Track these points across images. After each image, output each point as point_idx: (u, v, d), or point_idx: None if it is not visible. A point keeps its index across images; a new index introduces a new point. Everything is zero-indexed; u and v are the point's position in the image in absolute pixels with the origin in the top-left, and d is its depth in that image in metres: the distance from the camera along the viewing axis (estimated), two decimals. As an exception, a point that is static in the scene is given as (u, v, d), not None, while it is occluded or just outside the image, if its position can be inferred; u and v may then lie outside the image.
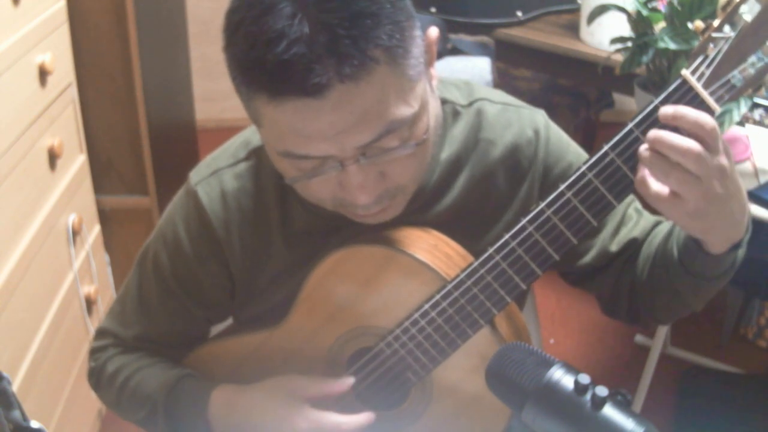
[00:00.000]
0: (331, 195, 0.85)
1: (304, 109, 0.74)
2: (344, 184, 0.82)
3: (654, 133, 0.77)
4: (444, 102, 0.97)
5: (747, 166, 1.75)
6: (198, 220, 0.98)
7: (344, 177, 0.81)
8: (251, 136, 1.00)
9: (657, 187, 0.79)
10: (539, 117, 1.00)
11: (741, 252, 0.90)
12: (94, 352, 1.10)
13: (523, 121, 0.98)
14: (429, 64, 0.88)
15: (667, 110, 0.77)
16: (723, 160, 0.78)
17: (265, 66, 0.73)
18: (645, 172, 0.79)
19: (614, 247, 1.00)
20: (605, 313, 1.07)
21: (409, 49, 0.78)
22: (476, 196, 0.98)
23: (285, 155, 0.80)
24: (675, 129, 0.77)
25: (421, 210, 0.96)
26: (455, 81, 1.01)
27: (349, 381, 0.95)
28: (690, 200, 0.78)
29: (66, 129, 1.78)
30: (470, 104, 0.98)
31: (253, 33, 0.73)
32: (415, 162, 0.84)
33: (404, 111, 0.78)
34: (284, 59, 0.72)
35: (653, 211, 0.89)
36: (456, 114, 0.98)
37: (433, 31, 0.87)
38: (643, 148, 0.78)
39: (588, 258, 1.00)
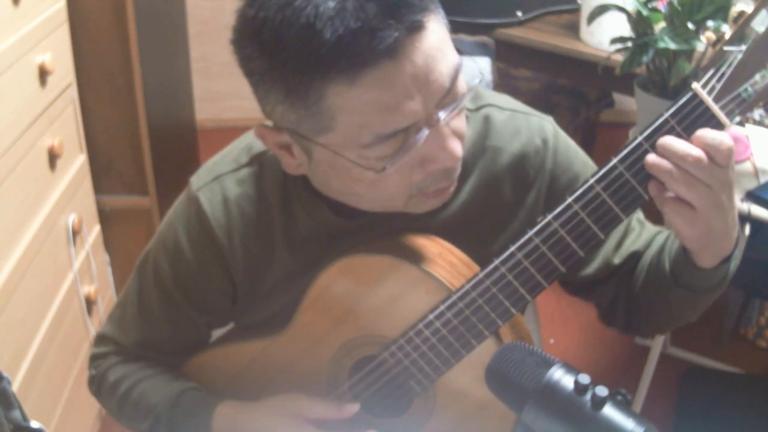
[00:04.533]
0: (410, 182, 0.83)
1: (384, 76, 0.74)
2: (429, 155, 0.81)
3: (662, 140, 0.77)
4: None
5: (747, 166, 1.74)
6: (199, 227, 0.97)
7: (426, 147, 0.80)
8: (253, 141, 0.99)
9: (670, 194, 0.79)
10: (548, 125, 0.99)
11: (733, 264, 0.90)
12: (94, 359, 1.09)
13: (531, 129, 0.97)
14: None
15: (702, 133, 0.76)
16: (731, 173, 0.78)
17: (336, 43, 0.72)
18: (659, 186, 0.80)
19: (617, 260, 1.00)
20: (602, 321, 1.07)
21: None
22: (482, 204, 0.97)
23: (373, 142, 0.78)
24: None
25: (427, 216, 0.95)
26: None
27: (354, 407, 0.95)
28: (701, 209, 0.78)
29: (66, 129, 1.78)
30: (477, 109, 0.98)
31: (305, 24, 0.72)
32: (464, 118, 0.85)
33: (456, 56, 0.80)
34: (356, 27, 0.71)
35: (656, 218, 0.88)
36: None
37: None
38: (651, 156, 0.78)
39: (590, 269, 1.00)
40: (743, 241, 0.92)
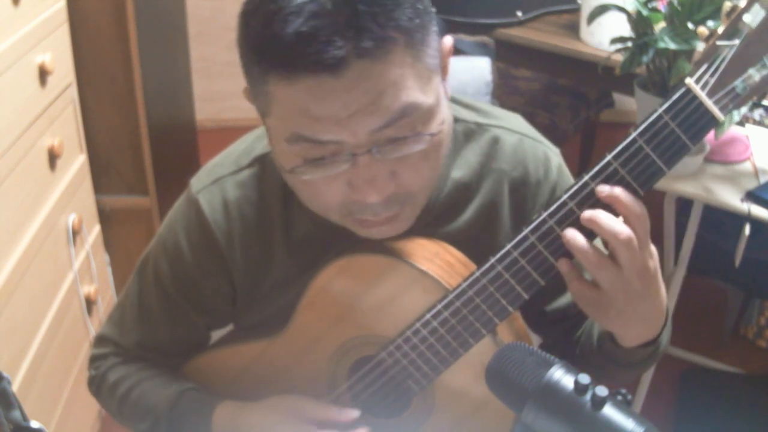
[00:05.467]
0: (339, 199, 0.83)
1: (318, 87, 0.73)
2: (353, 182, 0.80)
3: (589, 212, 0.78)
4: (456, 120, 0.96)
5: (747, 166, 1.75)
6: (199, 229, 0.97)
7: (354, 173, 0.79)
8: (254, 143, 0.99)
9: (582, 280, 0.81)
10: (554, 158, 0.99)
11: (662, 346, 0.91)
12: (93, 360, 1.10)
13: (537, 158, 0.97)
14: (443, 75, 0.87)
15: (603, 189, 0.78)
16: (649, 259, 0.79)
17: (282, 40, 0.72)
18: (573, 265, 0.81)
19: (574, 310, 1.02)
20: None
21: (427, 38, 0.78)
22: (484, 226, 0.97)
23: (294, 139, 0.78)
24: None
25: (428, 227, 0.95)
26: (467, 100, 1.00)
27: (354, 413, 0.95)
28: (610, 294, 0.79)
29: (66, 129, 1.78)
30: (485, 127, 0.97)
31: (272, 10, 0.73)
32: (427, 166, 0.82)
33: (420, 97, 0.77)
34: (302, 32, 0.71)
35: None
36: (469, 133, 0.97)
37: (447, 41, 0.86)
38: (570, 233, 0.79)
39: (552, 306, 1.02)
40: (668, 330, 0.93)
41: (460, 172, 0.96)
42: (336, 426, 0.94)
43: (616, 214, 0.78)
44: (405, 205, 0.85)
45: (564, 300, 1.02)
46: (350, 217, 0.85)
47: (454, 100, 0.98)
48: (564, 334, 1.04)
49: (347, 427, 0.94)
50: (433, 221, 0.96)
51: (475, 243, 0.97)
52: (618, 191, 0.78)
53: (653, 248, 0.81)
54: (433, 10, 0.82)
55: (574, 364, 0.99)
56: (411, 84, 0.76)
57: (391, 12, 0.73)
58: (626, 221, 0.77)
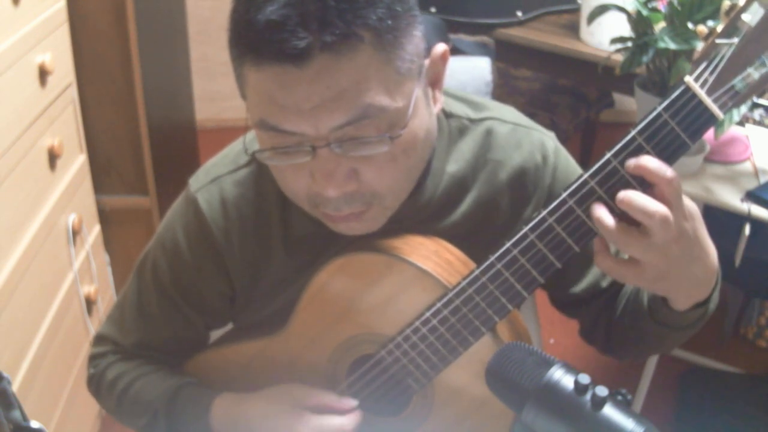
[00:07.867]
0: (304, 190, 0.84)
1: (283, 75, 0.75)
2: (314, 174, 0.81)
3: (623, 193, 0.76)
4: (449, 116, 0.97)
5: (747, 166, 1.75)
6: (198, 228, 0.98)
7: (314, 165, 0.80)
8: (252, 142, 0.99)
9: (613, 258, 0.80)
10: (549, 141, 0.99)
11: (712, 305, 0.90)
12: (93, 359, 1.10)
13: (533, 145, 0.97)
14: (434, 84, 0.87)
15: (629, 163, 0.77)
16: (684, 222, 0.77)
17: (254, 26, 0.74)
18: (602, 244, 0.80)
19: (604, 283, 1.01)
20: (583, 338, 1.09)
21: (401, 41, 0.78)
22: (481, 217, 0.97)
23: (260, 125, 0.80)
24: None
25: (425, 222, 0.95)
26: (460, 93, 1.00)
27: (351, 403, 0.95)
28: (648, 266, 0.78)
29: (66, 129, 1.78)
30: (479, 121, 0.97)
31: (248, 1, 0.75)
32: (393, 169, 0.82)
33: (384, 101, 0.77)
34: (272, 20, 0.73)
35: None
36: (463, 129, 0.97)
37: (440, 47, 0.86)
38: (601, 214, 0.77)
39: (578, 288, 1.01)
40: (718, 290, 0.92)
41: (455, 166, 0.96)
42: (333, 413, 0.94)
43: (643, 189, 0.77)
44: (371, 204, 0.85)
45: (590, 277, 1.01)
46: (317, 210, 0.86)
47: (446, 94, 0.98)
48: (603, 310, 1.03)
49: (344, 414, 0.95)
50: (429, 217, 0.96)
51: (473, 236, 0.97)
52: (645, 160, 0.76)
53: (691, 205, 0.78)
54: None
55: (623, 335, 0.97)
56: (376, 85, 0.76)
57: (360, 9, 0.74)
58: (658, 189, 0.76)
